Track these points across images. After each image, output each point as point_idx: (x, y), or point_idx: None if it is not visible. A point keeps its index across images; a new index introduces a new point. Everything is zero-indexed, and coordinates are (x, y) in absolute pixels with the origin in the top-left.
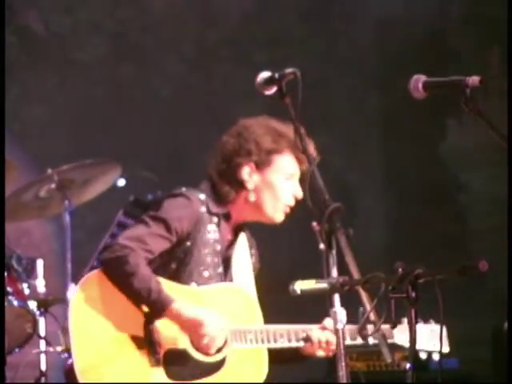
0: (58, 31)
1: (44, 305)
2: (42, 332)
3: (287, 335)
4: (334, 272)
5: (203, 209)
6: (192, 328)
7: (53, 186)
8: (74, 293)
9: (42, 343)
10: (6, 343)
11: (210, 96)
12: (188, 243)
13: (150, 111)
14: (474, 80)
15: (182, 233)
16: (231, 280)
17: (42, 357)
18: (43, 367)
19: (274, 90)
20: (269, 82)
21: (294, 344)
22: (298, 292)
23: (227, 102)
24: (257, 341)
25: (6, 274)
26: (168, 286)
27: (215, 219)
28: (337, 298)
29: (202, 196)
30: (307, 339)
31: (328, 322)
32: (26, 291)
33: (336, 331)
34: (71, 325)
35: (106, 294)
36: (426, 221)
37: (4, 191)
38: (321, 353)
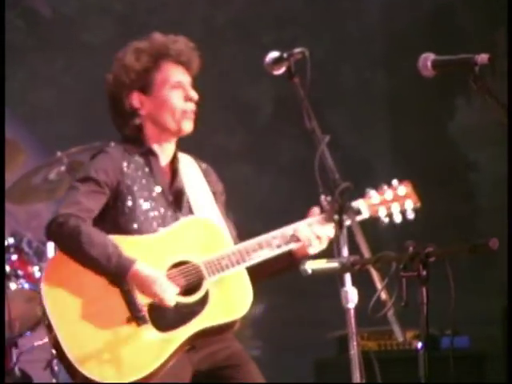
0: (65, 13)
1: None
2: None
3: (259, 248)
4: (345, 251)
5: (123, 157)
6: (148, 287)
7: (62, 168)
8: (41, 283)
9: None
10: (17, 326)
11: (217, 77)
12: (122, 193)
13: None
14: (482, 58)
15: (112, 184)
16: (190, 211)
17: None
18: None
19: (282, 69)
20: (278, 61)
21: (270, 254)
22: (309, 272)
23: (235, 83)
24: (233, 264)
25: (16, 257)
26: (123, 241)
27: (140, 160)
28: (348, 277)
29: (117, 145)
30: (296, 240)
31: (314, 211)
32: (37, 274)
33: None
34: (49, 314)
35: (72, 272)
36: (436, 200)
37: (4, 191)
38: (314, 249)
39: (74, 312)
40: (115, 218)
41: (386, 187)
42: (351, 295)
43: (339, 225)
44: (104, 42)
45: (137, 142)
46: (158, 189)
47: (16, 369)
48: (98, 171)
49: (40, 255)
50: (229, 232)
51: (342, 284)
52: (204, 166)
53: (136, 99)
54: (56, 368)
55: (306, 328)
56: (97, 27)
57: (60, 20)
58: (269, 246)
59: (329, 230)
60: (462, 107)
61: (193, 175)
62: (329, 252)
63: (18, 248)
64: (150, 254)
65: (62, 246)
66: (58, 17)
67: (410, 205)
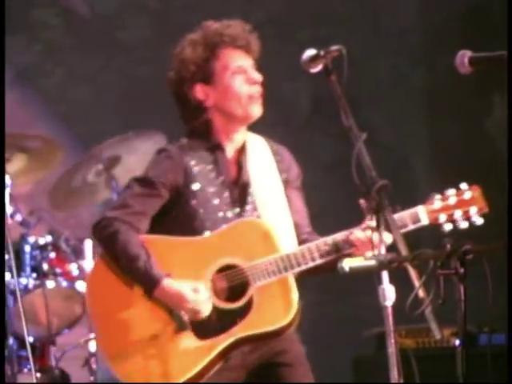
0: (102, 12)
1: None
2: None
3: (310, 255)
4: (382, 249)
5: (186, 155)
6: (176, 304)
7: (100, 166)
8: (86, 282)
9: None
10: (55, 324)
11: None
12: (185, 192)
13: None
14: None
15: (171, 185)
16: (254, 208)
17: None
18: (92, 349)
19: (319, 67)
20: (314, 59)
21: (320, 261)
22: (347, 269)
23: (273, 79)
24: (280, 271)
25: (54, 255)
26: (172, 244)
27: (206, 156)
28: (385, 274)
29: (181, 143)
30: (349, 246)
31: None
32: (75, 272)
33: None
34: (91, 312)
35: (116, 273)
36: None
37: (4, 190)
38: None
39: (114, 313)
40: (179, 218)
41: (450, 192)
42: (389, 293)
43: (377, 223)
44: (140, 40)
45: (204, 137)
46: (223, 185)
47: (54, 367)
48: (156, 172)
49: (78, 253)
50: (296, 225)
51: (380, 282)
52: (278, 149)
53: (200, 91)
54: (94, 366)
55: (344, 325)
56: (133, 26)
57: (97, 19)
58: (319, 251)
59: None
60: (499, 103)
61: (262, 165)
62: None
63: (55, 246)
64: (197, 257)
65: (102, 249)
66: (95, 15)
67: (474, 211)
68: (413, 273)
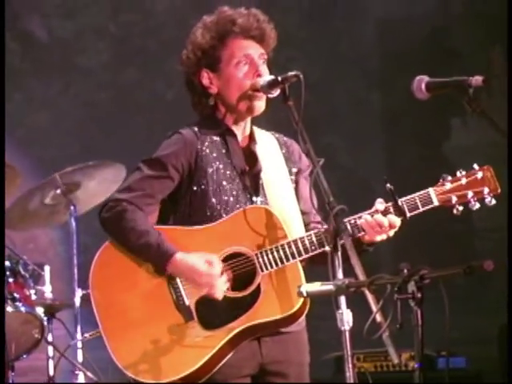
0: (60, 36)
1: (51, 310)
2: (50, 337)
3: (318, 240)
4: (340, 274)
5: (198, 138)
6: (191, 278)
7: (58, 191)
8: (90, 274)
9: (50, 348)
10: (13, 349)
11: None
12: (196, 175)
13: (154, 114)
14: (477, 80)
15: (183, 167)
16: (264, 196)
17: (50, 362)
18: (51, 372)
19: (277, 92)
20: (272, 85)
21: (329, 246)
22: (304, 294)
23: None
24: (287, 257)
25: (12, 280)
26: (175, 233)
27: (217, 140)
28: (343, 299)
29: (194, 127)
30: (358, 230)
31: (378, 204)
32: (34, 297)
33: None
34: (95, 301)
35: (120, 265)
36: (431, 220)
37: (4, 191)
38: (380, 236)
39: (119, 305)
40: (190, 201)
41: (461, 173)
42: (346, 317)
43: (334, 247)
44: (99, 64)
45: (213, 122)
46: (235, 171)
47: None
48: (168, 154)
49: (36, 278)
50: (305, 214)
51: (338, 306)
52: (286, 141)
53: (205, 77)
54: None
55: None
56: (92, 50)
57: (56, 43)
58: (327, 237)
59: (392, 219)
60: (457, 127)
61: (270, 156)
62: (324, 274)
63: (13, 271)
64: (203, 246)
65: (108, 232)
66: (54, 39)
67: (487, 191)
68: (370, 297)
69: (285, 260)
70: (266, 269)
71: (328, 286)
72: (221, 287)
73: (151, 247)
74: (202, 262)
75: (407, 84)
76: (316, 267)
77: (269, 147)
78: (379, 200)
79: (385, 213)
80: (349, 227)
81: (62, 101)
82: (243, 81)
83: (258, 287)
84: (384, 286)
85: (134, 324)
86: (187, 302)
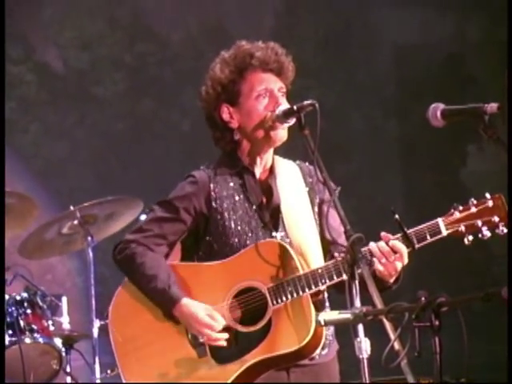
0: (76, 67)
1: (69, 341)
2: (68, 368)
3: (327, 272)
4: (357, 302)
5: (211, 180)
6: (192, 326)
7: (75, 222)
8: (111, 305)
9: (68, 379)
10: (32, 379)
11: None
12: (212, 217)
13: (170, 145)
14: (492, 107)
15: (195, 211)
16: (285, 230)
17: None
18: None
19: (293, 121)
20: (288, 114)
21: (339, 278)
22: (322, 323)
23: None
24: (297, 291)
25: (30, 311)
26: (189, 270)
27: (234, 180)
28: (361, 327)
29: (209, 168)
30: (370, 264)
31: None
32: (52, 328)
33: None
34: (114, 340)
35: (138, 298)
36: (448, 247)
37: (4, 191)
38: (390, 268)
39: (136, 342)
40: (210, 241)
41: (472, 202)
42: (364, 345)
43: (351, 276)
44: (115, 95)
45: (232, 159)
46: (252, 207)
47: None
48: (180, 197)
49: (54, 309)
50: (332, 245)
51: (356, 334)
52: (311, 170)
53: (225, 112)
54: None
55: None
56: (108, 80)
57: (71, 74)
58: (337, 269)
59: (397, 245)
60: (473, 154)
61: (291, 187)
62: (342, 303)
63: (31, 302)
64: (217, 281)
65: (122, 272)
66: (70, 70)
67: (497, 220)
68: (388, 325)
69: (295, 293)
70: (277, 302)
71: (346, 315)
72: (219, 341)
73: (158, 292)
74: (204, 313)
75: (423, 111)
76: (340, 295)
77: (291, 178)
78: (383, 234)
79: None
80: (368, 255)
81: (78, 131)
82: (263, 113)
83: (269, 321)
84: (402, 313)
85: (149, 359)
86: (201, 339)
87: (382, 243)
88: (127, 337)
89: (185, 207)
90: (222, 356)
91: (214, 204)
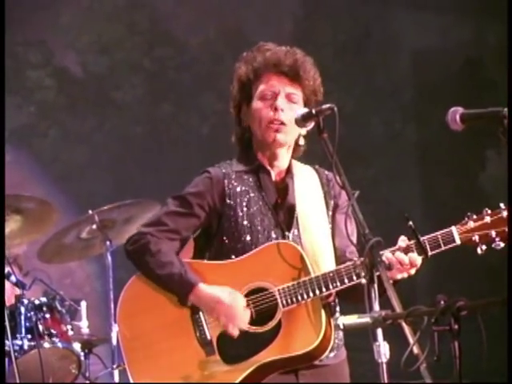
0: (95, 72)
1: (88, 345)
2: (87, 372)
3: (338, 276)
4: (376, 306)
5: (225, 176)
6: (213, 308)
7: (94, 226)
8: (119, 301)
9: None
10: None
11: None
12: (225, 213)
13: (189, 149)
14: None
15: (209, 207)
16: (298, 229)
17: None
18: None
19: (311, 125)
20: (307, 117)
21: (350, 283)
22: (341, 327)
23: None
24: (308, 294)
25: (49, 315)
26: (201, 267)
27: (249, 177)
28: (380, 331)
29: (225, 164)
30: (389, 267)
31: (401, 242)
32: (70, 332)
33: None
34: (121, 335)
35: (147, 294)
36: (468, 252)
37: (4, 192)
38: (400, 275)
39: (143, 338)
40: (223, 238)
41: (486, 212)
42: (383, 349)
43: (370, 279)
44: (134, 99)
45: (248, 156)
46: (267, 206)
47: None
48: (194, 192)
49: (73, 314)
50: (339, 252)
51: (374, 338)
52: (328, 175)
53: (242, 111)
54: None
55: None
56: (127, 85)
57: (90, 78)
58: (348, 274)
59: (413, 257)
60: (492, 158)
61: (308, 190)
62: (361, 307)
63: (50, 306)
64: (227, 281)
65: (134, 264)
66: (89, 75)
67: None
68: (407, 329)
69: (305, 296)
70: (288, 304)
71: (365, 319)
72: (242, 319)
73: (174, 277)
74: (226, 294)
75: (442, 115)
76: (348, 304)
77: (308, 181)
78: (402, 238)
79: (406, 250)
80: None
81: (97, 136)
82: (262, 114)
83: (279, 322)
84: (421, 317)
85: (157, 357)
86: (209, 337)
87: (400, 253)
88: (135, 333)
89: (198, 203)
90: (230, 355)
91: (227, 200)
